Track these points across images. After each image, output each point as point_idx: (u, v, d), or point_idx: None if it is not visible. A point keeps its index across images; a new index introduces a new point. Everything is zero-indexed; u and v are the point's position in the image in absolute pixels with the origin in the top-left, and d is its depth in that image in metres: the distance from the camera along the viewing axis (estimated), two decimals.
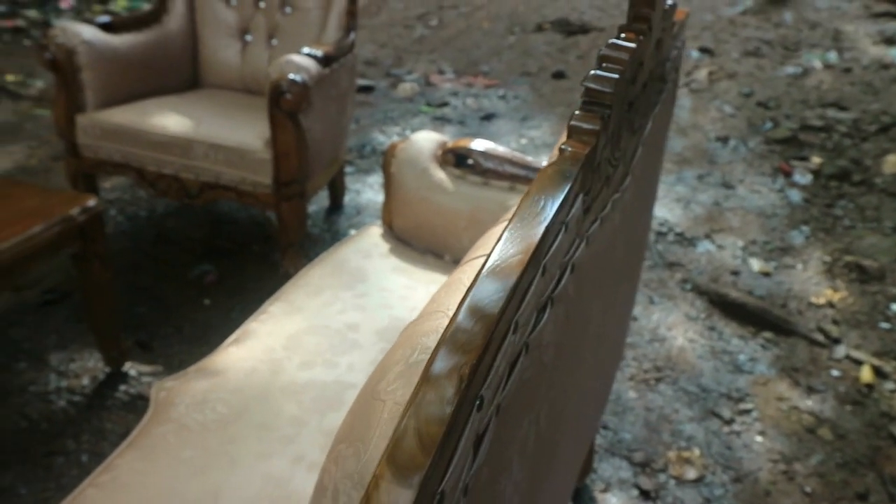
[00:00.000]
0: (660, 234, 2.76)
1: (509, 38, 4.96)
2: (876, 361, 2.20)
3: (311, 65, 2.18)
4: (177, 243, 2.64)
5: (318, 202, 2.89)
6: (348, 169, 3.15)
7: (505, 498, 0.59)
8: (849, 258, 2.66)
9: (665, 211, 2.91)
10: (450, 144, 1.71)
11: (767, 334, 2.30)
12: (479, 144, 1.69)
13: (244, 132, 2.25)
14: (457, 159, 1.68)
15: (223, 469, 1.09)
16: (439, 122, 3.74)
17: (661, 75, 1.00)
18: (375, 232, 1.76)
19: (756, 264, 2.62)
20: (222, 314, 2.27)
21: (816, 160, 3.31)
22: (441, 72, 4.40)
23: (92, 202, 1.82)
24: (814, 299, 2.46)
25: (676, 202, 2.98)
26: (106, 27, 2.43)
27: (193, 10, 2.69)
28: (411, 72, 4.39)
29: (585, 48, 4.74)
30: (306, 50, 2.25)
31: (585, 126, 0.64)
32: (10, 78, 4.00)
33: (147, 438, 1.15)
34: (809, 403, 2.06)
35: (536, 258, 0.53)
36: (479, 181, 1.66)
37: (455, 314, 0.48)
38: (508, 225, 0.54)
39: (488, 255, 0.52)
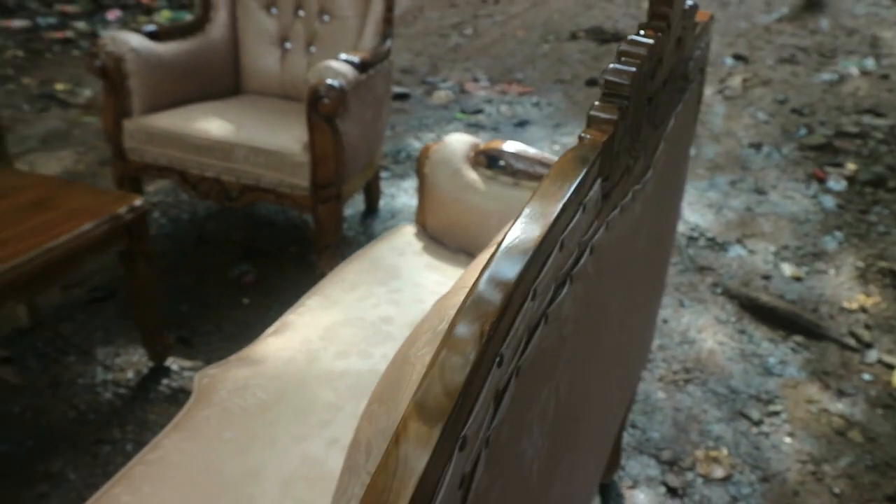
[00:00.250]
0: (691, 238, 2.77)
1: (543, 47, 5.01)
2: None
3: (349, 70, 2.25)
4: (217, 245, 2.72)
5: (354, 206, 2.95)
6: (384, 174, 3.22)
7: (525, 459, 0.64)
8: (882, 264, 2.66)
9: (696, 216, 2.93)
10: (482, 146, 1.76)
11: (798, 338, 2.31)
12: (510, 146, 1.73)
13: (283, 136, 2.32)
14: (489, 160, 1.73)
15: (263, 449, 1.14)
16: (473, 128, 3.80)
17: (684, 74, 1.04)
18: (409, 231, 1.81)
19: (788, 269, 2.63)
20: (260, 313, 2.34)
21: (851, 166, 3.31)
22: (475, 80, 4.46)
23: (138, 202, 1.90)
24: (846, 304, 2.46)
25: (708, 207, 3.00)
26: (152, 36, 2.53)
27: (235, 20, 2.78)
28: (446, 80, 4.46)
29: None
30: (344, 56, 2.32)
31: (604, 116, 0.69)
32: (59, 87, 4.14)
33: (191, 421, 1.22)
34: (840, 406, 2.07)
35: (554, 233, 0.57)
36: (510, 182, 1.70)
37: (476, 281, 0.53)
38: (527, 203, 0.59)
39: (508, 230, 0.57)
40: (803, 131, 3.63)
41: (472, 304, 0.51)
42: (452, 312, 0.63)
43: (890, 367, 2.20)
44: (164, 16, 5.35)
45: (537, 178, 1.67)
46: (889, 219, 2.95)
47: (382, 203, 3.00)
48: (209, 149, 2.35)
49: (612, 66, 0.70)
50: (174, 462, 1.14)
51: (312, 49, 2.73)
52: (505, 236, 0.55)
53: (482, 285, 0.53)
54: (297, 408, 1.23)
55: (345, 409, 1.22)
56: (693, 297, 2.46)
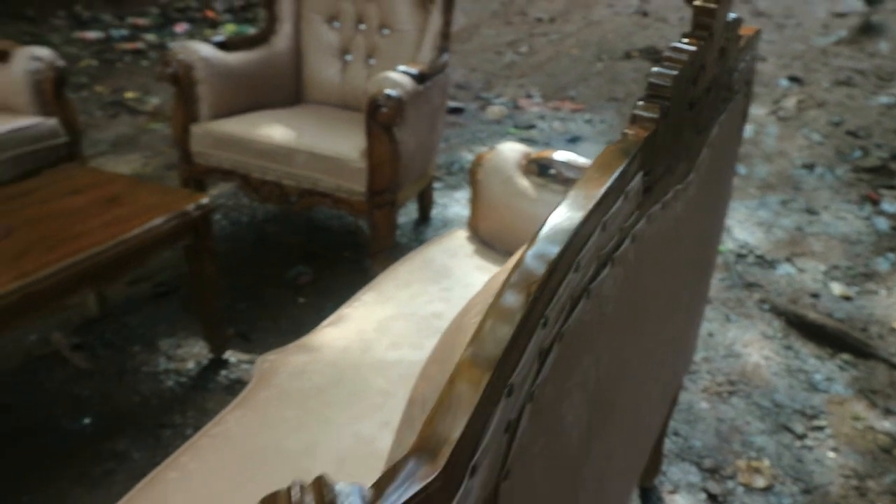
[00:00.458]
0: (739, 255, 2.79)
1: (597, 65, 5.06)
2: None
3: (407, 81, 2.34)
4: (275, 247, 2.83)
5: (408, 214, 3.04)
6: (437, 184, 3.30)
7: (566, 424, 0.70)
8: None
9: (746, 234, 2.94)
10: (533, 155, 1.82)
11: (846, 356, 2.31)
12: (561, 155, 1.79)
13: (342, 143, 2.42)
14: (540, 169, 1.79)
15: (319, 428, 1.22)
16: (526, 143, 3.85)
17: (728, 84, 1.09)
18: (461, 235, 1.88)
19: (837, 288, 2.63)
20: (315, 312, 2.42)
21: None
22: (529, 96, 4.53)
23: (205, 200, 2.01)
24: None
25: (758, 226, 3.01)
26: (221, 46, 2.66)
27: (299, 32, 2.90)
28: (500, 95, 4.54)
29: None
30: (402, 68, 2.41)
31: (646, 115, 0.75)
32: (129, 95, 4.33)
33: (253, 400, 1.30)
34: (886, 425, 2.07)
35: (597, 213, 0.64)
36: (560, 189, 1.76)
37: (523, 254, 0.59)
38: (572, 188, 0.65)
39: (552, 213, 0.63)
40: (858, 153, 3.61)
41: (520, 271, 0.58)
42: None
43: None
44: (229, 29, 5.55)
45: None
46: None
47: (435, 212, 3.08)
48: (271, 153, 2.46)
49: (655, 69, 0.76)
50: (237, 436, 1.22)
51: (372, 61, 2.83)
52: (547, 220, 0.61)
53: (528, 258, 0.59)
54: (351, 392, 1.30)
55: (396, 396, 1.29)
56: (740, 312, 2.47)
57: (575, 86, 4.71)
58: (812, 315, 2.44)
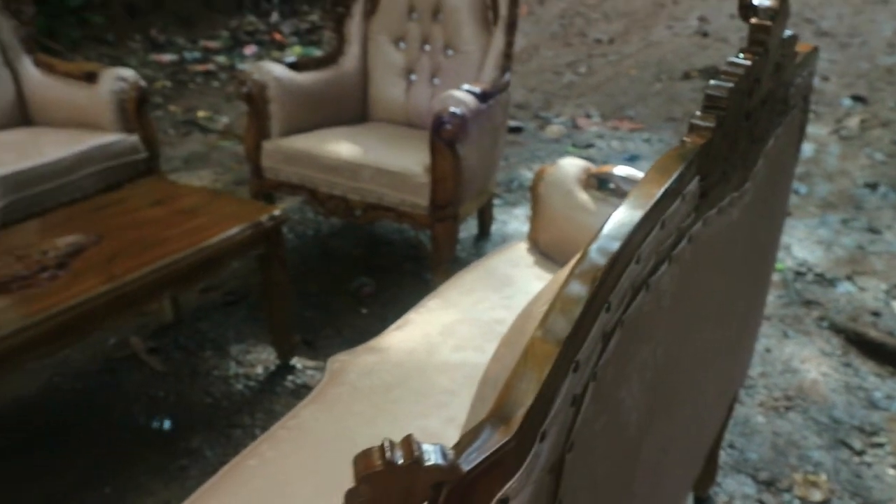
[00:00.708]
0: (798, 273, 2.79)
1: (656, 85, 5.08)
2: None
3: (470, 100, 2.42)
4: (339, 259, 2.93)
5: (468, 230, 3.11)
6: (496, 201, 3.37)
7: (624, 407, 0.76)
8: None
9: (805, 252, 2.94)
10: (593, 169, 1.88)
11: None
12: (620, 170, 1.85)
13: (406, 159, 2.51)
14: (599, 183, 1.84)
15: (387, 422, 1.29)
16: None
17: (784, 98, 1.13)
18: (522, 247, 1.94)
19: None
20: (377, 322, 2.51)
21: None
22: (588, 115, 4.58)
23: (277, 212, 2.12)
24: None
25: (818, 244, 3.00)
26: (292, 66, 2.79)
27: (366, 53, 3.01)
28: (559, 115, 4.60)
29: None
30: (466, 87, 2.49)
31: (703, 124, 0.81)
32: (200, 114, 4.52)
33: (325, 396, 1.38)
34: None
35: (655, 211, 0.70)
36: (619, 203, 1.81)
37: (587, 248, 0.66)
38: (632, 189, 0.71)
39: (614, 213, 0.69)
40: None
41: (585, 261, 0.64)
42: None
43: None
44: (296, 51, 5.74)
45: None
46: None
47: (494, 228, 3.15)
48: (338, 169, 2.56)
49: (712, 81, 0.82)
50: (311, 428, 1.30)
51: (436, 80, 2.92)
52: (609, 218, 0.68)
53: (593, 250, 0.66)
54: (417, 390, 1.37)
55: (460, 395, 1.36)
56: (798, 329, 2.48)
57: (633, 105, 4.74)
58: (872, 333, 2.43)
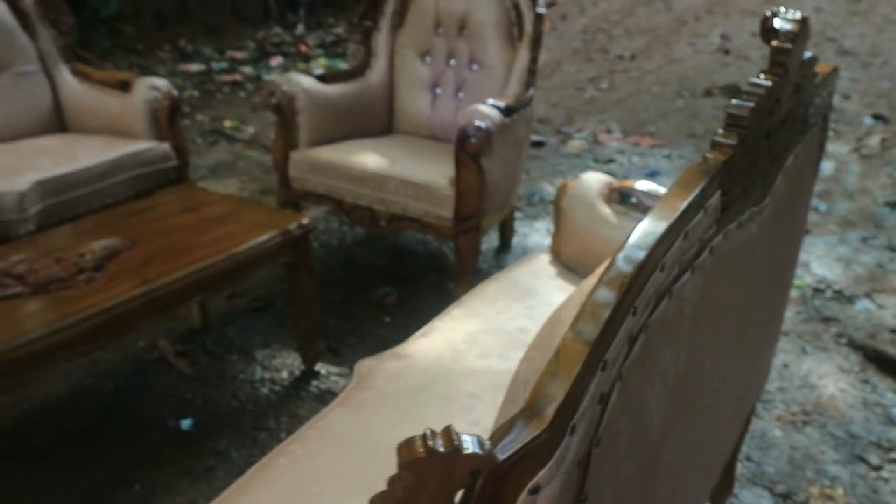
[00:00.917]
0: (817, 290, 2.80)
1: (678, 102, 5.11)
2: None
3: (495, 114, 2.47)
4: (363, 269, 2.98)
5: (489, 242, 3.15)
6: (518, 214, 3.41)
7: (648, 409, 0.79)
8: None
9: (824, 269, 2.95)
10: (615, 184, 1.92)
11: None
12: (642, 185, 1.88)
13: (431, 171, 2.56)
14: (621, 197, 1.88)
15: (413, 425, 1.33)
16: None
17: (804, 118, 1.17)
18: (544, 259, 1.98)
19: None
20: (400, 330, 2.55)
21: None
22: (609, 131, 4.61)
23: (305, 220, 2.17)
24: None
25: (837, 261, 3.01)
26: (321, 78, 2.85)
27: (393, 67, 3.07)
28: (581, 130, 4.64)
29: None
30: (490, 101, 2.54)
31: (725, 141, 0.85)
32: (227, 124, 4.60)
33: (352, 400, 1.42)
34: None
35: (679, 223, 0.73)
36: (640, 217, 1.85)
37: (614, 256, 0.70)
38: (656, 202, 0.75)
39: (639, 223, 0.73)
40: None
41: (613, 269, 0.68)
42: None
43: None
44: (321, 63, 5.82)
45: None
46: None
47: (515, 241, 3.18)
48: (364, 179, 2.62)
49: (734, 101, 0.86)
50: (339, 430, 1.34)
51: (461, 94, 2.98)
52: (634, 229, 0.72)
53: (620, 259, 0.70)
54: (442, 395, 1.41)
55: (485, 400, 1.39)
56: (816, 345, 2.49)
57: (654, 122, 4.77)
58: (891, 350, 2.44)
